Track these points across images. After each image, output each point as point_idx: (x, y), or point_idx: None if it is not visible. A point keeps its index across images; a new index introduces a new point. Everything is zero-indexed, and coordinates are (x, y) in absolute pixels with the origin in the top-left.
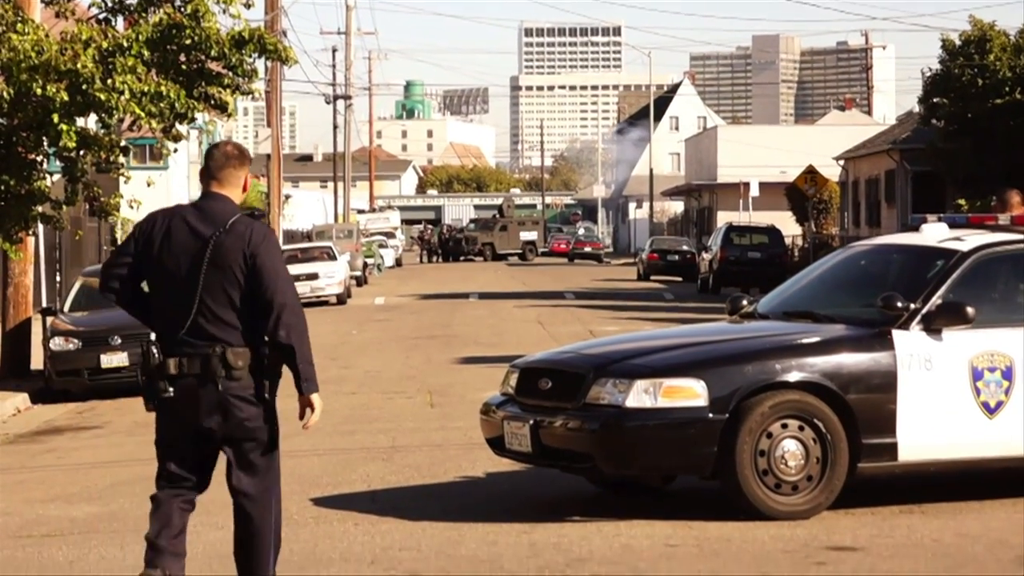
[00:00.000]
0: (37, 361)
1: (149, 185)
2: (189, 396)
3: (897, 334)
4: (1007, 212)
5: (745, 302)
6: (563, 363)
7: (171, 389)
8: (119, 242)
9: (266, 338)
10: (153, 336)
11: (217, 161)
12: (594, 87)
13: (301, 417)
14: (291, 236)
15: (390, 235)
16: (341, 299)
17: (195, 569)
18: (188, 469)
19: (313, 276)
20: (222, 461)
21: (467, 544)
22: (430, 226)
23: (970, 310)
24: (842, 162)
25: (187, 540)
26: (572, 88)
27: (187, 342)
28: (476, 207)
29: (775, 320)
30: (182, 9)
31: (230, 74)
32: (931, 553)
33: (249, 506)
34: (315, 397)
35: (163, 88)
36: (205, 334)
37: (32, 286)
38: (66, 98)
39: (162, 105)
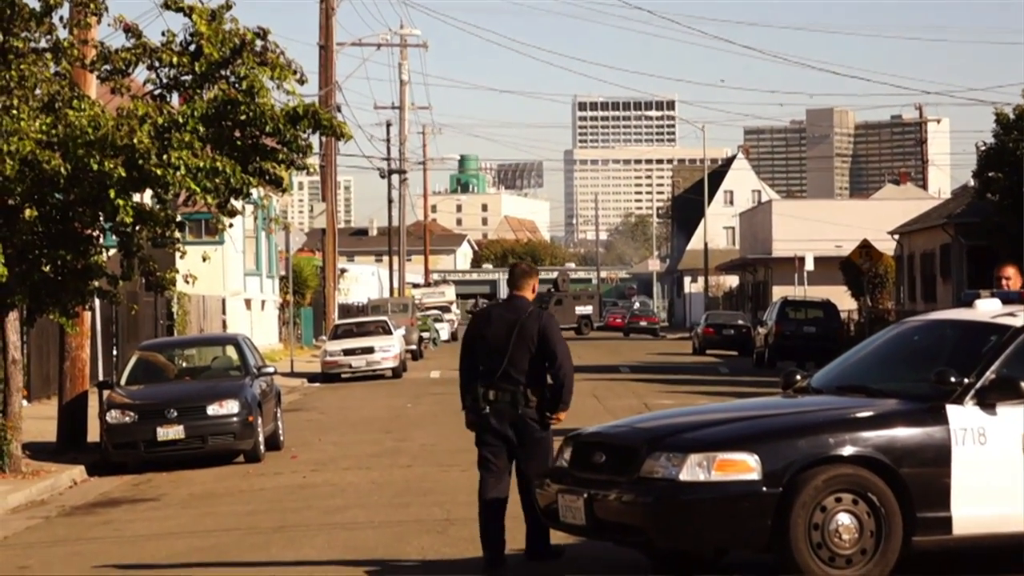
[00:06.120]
0: (94, 434)
1: (205, 260)
2: (500, 414)
3: (951, 408)
4: None
5: (799, 376)
6: (617, 436)
7: (488, 408)
8: (174, 315)
9: (549, 378)
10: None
11: (516, 276)
12: (648, 161)
13: (551, 417)
14: (347, 310)
15: (445, 309)
16: (396, 373)
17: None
18: (495, 455)
19: (369, 350)
20: None
21: None
22: (485, 300)
23: None
24: (897, 236)
25: None
26: (626, 162)
27: (499, 382)
28: None
29: (829, 394)
30: (237, 85)
31: (285, 149)
32: None
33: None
34: (565, 412)
35: (218, 164)
36: (511, 379)
37: (89, 360)
38: (123, 174)
39: (217, 181)
